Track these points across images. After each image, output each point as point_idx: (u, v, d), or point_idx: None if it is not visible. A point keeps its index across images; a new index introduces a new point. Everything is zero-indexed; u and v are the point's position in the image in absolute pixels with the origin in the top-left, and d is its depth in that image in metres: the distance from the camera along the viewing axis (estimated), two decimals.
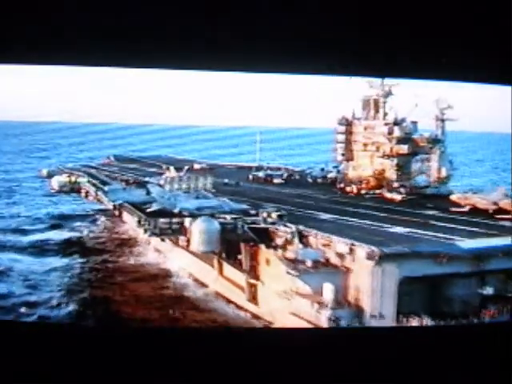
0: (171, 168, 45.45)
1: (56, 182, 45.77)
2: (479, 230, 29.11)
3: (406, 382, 18.16)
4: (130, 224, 39.85)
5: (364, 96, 46.01)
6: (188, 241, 29.83)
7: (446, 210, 34.31)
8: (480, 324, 21.26)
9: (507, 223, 30.45)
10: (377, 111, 46.10)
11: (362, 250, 24.66)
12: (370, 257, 24.18)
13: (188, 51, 18.43)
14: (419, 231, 28.32)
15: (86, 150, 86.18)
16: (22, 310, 30.38)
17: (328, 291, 24.73)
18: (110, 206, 38.47)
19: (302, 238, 28.29)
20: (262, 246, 29.55)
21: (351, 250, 25.33)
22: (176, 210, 32.26)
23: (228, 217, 31.13)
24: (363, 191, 43.22)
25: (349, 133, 47.03)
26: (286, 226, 29.18)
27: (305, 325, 24.84)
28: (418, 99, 40.94)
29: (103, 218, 52.54)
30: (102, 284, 35.47)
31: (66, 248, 43.63)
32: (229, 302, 31.23)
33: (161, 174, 45.79)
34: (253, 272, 30.63)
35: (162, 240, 33.45)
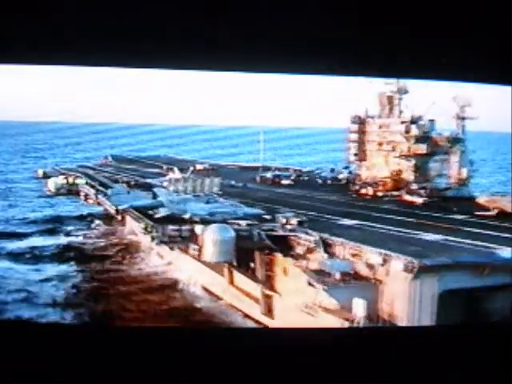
0: (175, 169, 44.95)
1: (52, 183, 45.07)
2: None
3: (406, 382, 18.46)
4: (135, 230, 38.68)
5: (379, 93, 45.10)
6: (200, 250, 28.40)
7: (473, 215, 33.33)
8: (480, 324, 21.32)
9: None
10: (392, 109, 45.18)
11: (398, 261, 23.36)
12: (407, 269, 22.95)
13: (188, 51, 18.84)
14: (456, 239, 27.22)
15: (83, 150, 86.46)
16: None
17: (359, 307, 23.19)
18: (112, 211, 37.18)
19: (327, 246, 26.95)
20: (279, 255, 28.41)
21: (385, 261, 24.05)
22: (186, 216, 30.90)
23: (242, 223, 29.83)
24: (380, 193, 42.27)
25: (362, 132, 46.16)
26: (307, 233, 27.81)
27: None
28: (435, 96, 39.75)
29: (101, 223, 50.46)
30: (103, 296, 33.69)
31: (62, 255, 42.18)
32: (245, 316, 30.28)
33: (162, 175, 45.26)
34: (268, 282, 29.37)
35: (171, 248, 31.56)
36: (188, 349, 18.79)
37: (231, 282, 32.22)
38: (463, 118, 41.65)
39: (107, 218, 46.89)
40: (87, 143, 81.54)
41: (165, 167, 52.02)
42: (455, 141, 41.96)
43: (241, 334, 22.42)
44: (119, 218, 37.82)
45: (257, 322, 28.91)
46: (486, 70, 19.39)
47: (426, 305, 22.68)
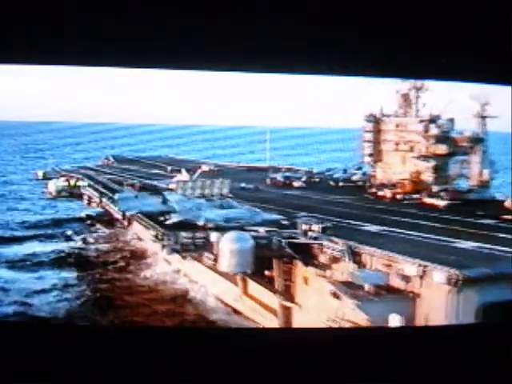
0: (183, 170, 43.79)
1: (53, 186, 44.21)
2: None
3: (406, 382, 18.83)
4: (140, 235, 37.61)
5: (397, 90, 43.98)
6: (215, 259, 26.97)
7: (501, 219, 31.84)
8: (480, 324, 21.50)
9: None
10: (408, 107, 44.04)
11: (439, 272, 21.98)
12: (450, 282, 21.61)
13: (188, 51, 19.18)
14: (492, 246, 25.70)
15: (82, 150, 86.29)
16: None
17: (396, 323, 21.84)
18: (119, 216, 35.95)
19: (354, 255, 25.49)
20: (299, 263, 27.11)
21: (424, 273, 22.61)
22: (200, 222, 29.58)
23: (261, 230, 28.33)
24: (399, 196, 40.80)
25: (377, 131, 44.98)
26: (332, 241, 26.43)
27: None
28: (452, 94, 38.71)
29: (102, 226, 48.83)
30: (108, 308, 31.71)
31: (62, 262, 40.46)
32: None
33: (167, 177, 44.28)
34: (287, 293, 28.04)
35: (183, 257, 29.68)
36: (188, 349, 19.39)
37: (245, 292, 31.16)
38: (484, 117, 40.57)
39: (109, 221, 45.85)
40: (87, 143, 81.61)
41: (169, 168, 51.67)
42: (476, 141, 40.78)
43: (241, 334, 22.66)
44: (125, 223, 36.17)
45: None
46: (486, 69, 19.69)
47: (465, 320, 21.58)
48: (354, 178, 48.31)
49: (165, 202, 34.81)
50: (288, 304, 27.78)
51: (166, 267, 37.32)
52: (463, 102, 39.69)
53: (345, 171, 50.43)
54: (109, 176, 47.63)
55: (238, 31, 19.44)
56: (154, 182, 43.01)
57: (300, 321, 26.62)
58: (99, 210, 44.16)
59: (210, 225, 29.00)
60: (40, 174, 49.02)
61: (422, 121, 41.93)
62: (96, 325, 28.43)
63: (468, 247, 25.78)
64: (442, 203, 37.11)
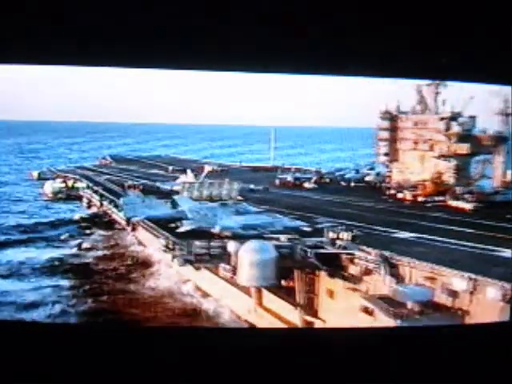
0: (188, 171, 42.85)
1: (50, 187, 43.61)
2: None
3: (407, 382, 19.39)
4: (149, 244, 35.18)
5: (417, 86, 43.42)
6: (233, 271, 25.61)
7: None
8: (480, 324, 21.84)
9: None
10: (427, 104, 43.49)
11: (493, 288, 20.70)
12: (505, 298, 20.46)
13: (188, 51, 19.65)
14: None
15: (76, 150, 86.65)
16: None
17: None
18: (123, 222, 34.86)
19: (391, 267, 24.09)
20: (323, 274, 25.81)
21: (475, 288, 21.37)
22: (215, 230, 28.41)
23: (282, 238, 27.00)
24: (420, 198, 40.10)
25: (393, 129, 44.40)
26: (364, 251, 25.10)
27: None
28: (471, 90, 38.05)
29: (102, 232, 46.11)
30: (109, 323, 29.51)
31: (58, 269, 38.63)
32: None
33: (169, 177, 43.46)
34: (309, 307, 26.65)
35: (197, 269, 27.88)
36: (188, 349, 19.89)
37: (259, 303, 29.49)
38: (507, 115, 40.30)
39: (106, 222, 44.29)
40: (83, 143, 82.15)
41: (170, 168, 51.38)
42: (500, 140, 40.49)
43: (241, 334, 23.02)
44: (129, 229, 35.12)
45: None
46: (486, 70, 20.07)
47: None
48: (368, 178, 47.93)
49: (174, 206, 33.51)
50: (310, 319, 26.61)
51: (173, 277, 35.28)
52: (484, 98, 38.80)
53: (357, 171, 50.10)
54: (107, 177, 46.74)
55: (238, 31, 19.79)
56: (157, 184, 42.05)
57: None
58: (95, 211, 43.21)
59: (227, 233, 27.95)
60: (35, 174, 48.75)
61: (442, 118, 41.29)
62: (96, 325, 28.34)
63: (510, 256, 24.59)
64: (468, 206, 36.45)
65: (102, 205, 39.32)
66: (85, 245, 43.35)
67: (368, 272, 24.39)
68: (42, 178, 47.71)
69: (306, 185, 48.19)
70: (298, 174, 51.34)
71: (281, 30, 19.96)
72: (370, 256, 24.41)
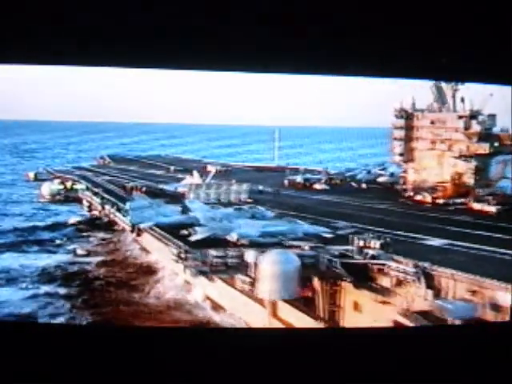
0: (194, 172, 41.93)
1: (47, 189, 42.66)
2: None
3: (406, 382, 19.84)
4: (157, 253, 33.25)
5: (435, 82, 42.15)
6: (252, 283, 24.19)
7: None
8: (480, 324, 22.17)
9: None
10: (444, 102, 42.50)
11: None
12: None
13: (188, 51, 20.09)
14: None
15: (74, 150, 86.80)
16: None
17: None
18: (126, 227, 33.33)
19: (428, 279, 22.78)
20: (348, 285, 24.51)
21: None
22: (232, 238, 26.93)
23: (304, 246, 25.61)
24: (440, 201, 39.07)
25: (409, 127, 43.21)
26: (397, 261, 23.62)
27: None
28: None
29: (102, 234, 44.27)
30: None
31: (54, 277, 36.60)
32: None
33: (172, 178, 42.66)
34: (332, 320, 25.29)
35: (210, 280, 26.04)
36: (188, 349, 20.32)
37: (274, 314, 27.96)
38: None
39: (104, 225, 42.91)
40: (81, 143, 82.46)
41: (171, 168, 50.86)
42: None
43: (241, 334, 23.43)
44: (134, 235, 33.46)
45: None
46: (486, 70, 20.47)
47: None
48: (380, 179, 47.25)
49: (185, 211, 32.14)
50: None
51: (180, 286, 33.24)
52: (502, 95, 37.86)
53: (368, 172, 49.14)
54: (107, 177, 46.10)
55: (238, 31, 20.25)
56: (161, 186, 41.09)
57: None
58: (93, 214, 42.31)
59: (244, 241, 26.61)
60: (31, 175, 47.83)
61: (461, 117, 40.37)
62: (96, 325, 28.50)
63: None
64: (491, 209, 35.59)
65: (103, 208, 37.96)
66: (80, 251, 41.44)
67: (399, 283, 23.35)
68: (38, 178, 46.91)
69: (317, 186, 47.38)
70: (308, 175, 49.95)
71: (281, 29, 20.47)
72: (405, 266, 23.23)
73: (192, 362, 19.93)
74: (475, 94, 39.84)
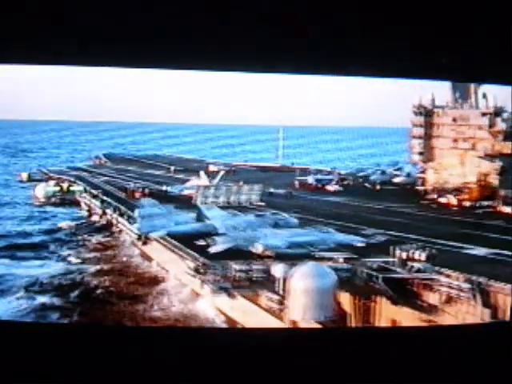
0: (201, 173, 40.66)
1: (42, 191, 41.76)
2: None
3: (406, 382, 20.33)
4: (169, 265, 30.26)
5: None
6: (281, 302, 22.48)
7: None
8: (480, 324, 22.52)
9: None
10: (466, 97, 41.23)
11: None
12: None
13: (188, 51, 20.47)
14: None
15: (69, 149, 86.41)
16: None
17: None
18: (133, 234, 31.56)
19: (484, 296, 21.47)
20: (384, 301, 22.80)
21: None
22: (258, 250, 25.18)
23: (338, 257, 24.01)
24: (467, 204, 37.73)
25: (429, 125, 42.00)
26: (447, 275, 22.14)
27: None
28: None
29: (100, 237, 41.02)
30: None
31: (45, 288, 33.81)
32: None
33: (174, 179, 42.02)
34: None
35: (232, 297, 23.79)
36: (188, 349, 20.69)
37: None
38: None
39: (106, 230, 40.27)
40: (77, 142, 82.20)
41: (172, 168, 50.09)
42: None
43: (241, 334, 23.75)
44: (139, 244, 31.17)
45: None
46: (486, 69, 20.87)
47: None
48: (397, 180, 46.15)
49: (200, 218, 30.20)
50: None
51: (187, 298, 30.07)
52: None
53: (383, 172, 47.78)
54: (105, 178, 45.06)
55: (238, 31, 20.65)
56: (164, 188, 39.76)
57: None
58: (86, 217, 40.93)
59: (269, 252, 25.02)
60: (24, 175, 46.39)
61: (484, 114, 39.38)
62: (96, 325, 27.90)
63: None
64: None
65: (104, 213, 36.46)
66: (74, 259, 38.13)
67: (449, 300, 22.00)
68: (32, 179, 45.70)
69: (330, 187, 46.00)
70: (319, 176, 48.23)
71: (281, 29, 20.91)
72: (457, 281, 21.86)
73: (192, 362, 20.27)
74: (498, 90, 36.94)
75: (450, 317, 21.73)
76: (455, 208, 37.57)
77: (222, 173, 41.53)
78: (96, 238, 39.36)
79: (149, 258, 33.34)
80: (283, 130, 53.61)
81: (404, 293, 22.44)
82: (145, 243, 30.43)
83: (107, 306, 29.44)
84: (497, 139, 38.51)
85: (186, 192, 36.60)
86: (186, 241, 26.56)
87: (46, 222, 44.47)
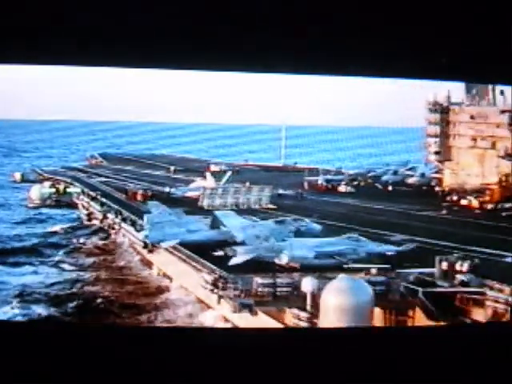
0: (208, 175, 39.60)
1: (37, 192, 41.20)
2: None
3: (406, 382, 20.77)
4: (178, 275, 28.90)
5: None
6: (310, 320, 20.95)
7: None
8: (480, 324, 22.82)
9: None
10: (483, 95, 40.79)
11: None
12: None
13: (188, 51, 20.71)
14: None
15: (65, 148, 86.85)
16: None
17: None
18: (139, 242, 29.64)
19: None
20: (418, 315, 21.80)
21: None
22: (282, 261, 23.63)
23: (372, 269, 22.64)
24: (489, 206, 37.15)
25: (445, 123, 41.47)
26: (494, 288, 20.59)
27: None
28: None
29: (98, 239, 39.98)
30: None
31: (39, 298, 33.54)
32: None
33: (174, 180, 40.75)
34: None
35: (253, 313, 21.69)
36: (187, 349, 21.06)
37: None
38: None
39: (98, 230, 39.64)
40: (74, 142, 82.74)
41: (172, 168, 49.44)
42: None
43: (241, 334, 24.01)
44: (145, 252, 29.46)
45: None
46: (486, 70, 21.23)
47: None
48: (410, 180, 45.54)
49: (214, 225, 28.56)
50: None
51: (192, 308, 28.57)
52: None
53: (395, 172, 47.12)
54: (102, 179, 44.06)
55: (238, 31, 20.92)
56: (167, 189, 38.47)
57: None
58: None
59: (294, 263, 23.54)
60: (18, 176, 45.79)
61: (503, 111, 38.64)
62: (96, 325, 28.35)
63: None
64: None
65: (105, 217, 34.68)
66: (68, 267, 37.49)
67: (498, 316, 20.68)
68: (25, 180, 45.17)
69: (341, 188, 45.41)
70: (329, 177, 47.70)
71: (281, 30, 21.28)
72: (506, 295, 20.51)
73: (191, 362, 20.73)
74: None
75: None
76: (478, 211, 36.98)
77: (228, 173, 40.96)
78: (92, 241, 38.98)
79: (150, 266, 32.00)
80: (285, 130, 53.18)
81: (446, 308, 21.49)
82: (151, 251, 29.15)
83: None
84: None
85: (189, 194, 35.61)
86: (201, 250, 24.60)
87: (40, 225, 43.52)
